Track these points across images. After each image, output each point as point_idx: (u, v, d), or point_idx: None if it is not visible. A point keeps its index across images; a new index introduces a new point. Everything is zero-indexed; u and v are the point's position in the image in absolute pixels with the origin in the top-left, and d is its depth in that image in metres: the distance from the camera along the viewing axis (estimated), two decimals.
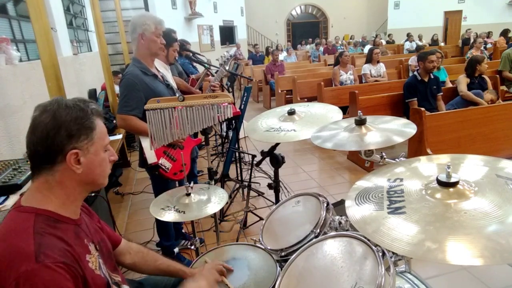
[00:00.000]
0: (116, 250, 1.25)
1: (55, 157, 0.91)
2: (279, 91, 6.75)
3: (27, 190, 0.96)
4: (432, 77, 4.01)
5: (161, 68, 2.58)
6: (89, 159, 0.95)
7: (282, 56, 9.98)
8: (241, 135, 3.47)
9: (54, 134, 0.89)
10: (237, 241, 2.64)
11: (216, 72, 3.07)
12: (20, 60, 3.11)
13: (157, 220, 2.39)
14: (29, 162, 0.96)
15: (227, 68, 2.99)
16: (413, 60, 6.53)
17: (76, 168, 0.93)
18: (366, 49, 9.84)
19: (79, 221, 1.01)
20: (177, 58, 2.96)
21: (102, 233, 1.14)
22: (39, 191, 0.93)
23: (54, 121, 0.90)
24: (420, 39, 12.14)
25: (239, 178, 3.44)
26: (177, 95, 2.17)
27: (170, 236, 2.40)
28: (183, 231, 2.69)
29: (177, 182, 2.23)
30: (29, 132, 0.92)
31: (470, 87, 4.22)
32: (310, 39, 14.60)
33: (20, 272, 0.79)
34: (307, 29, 18.10)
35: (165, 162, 2.09)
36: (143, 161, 2.11)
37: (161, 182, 2.17)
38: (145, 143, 2.04)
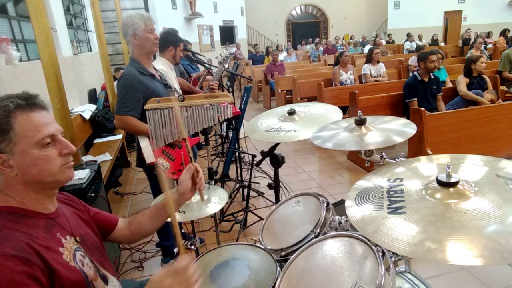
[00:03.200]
0: (115, 231, 1.24)
1: None
2: (279, 91, 6.75)
3: None
4: (432, 77, 4.01)
5: (166, 67, 2.58)
6: (17, 161, 0.90)
7: (282, 56, 9.98)
8: (241, 135, 3.47)
9: None
10: (237, 241, 2.64)
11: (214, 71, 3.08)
12: (20, 60, 3.11)
13: None
14: None
15: (226, 66, 2.98)
16: (413, 60, 6.53)
17: (8, 171, 0.90)
18: (366, 49, 9.85)
19: (54, 214, 0.99)
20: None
21: (86, 227, 1.12)
22: (1, 190, 0.93)
23: None
24: (420, 39, 12.15)
25: (239, 178, 3.44)
26: (176, 95, 2.18)
27: (169, 236, 2.40)
28: (182, 231, 2.69)
29: (175, 182, 2.23)
30: None
31: (469, 87, 4.22)
32: (310, 39, 14.60)
33: None
34: (307, 29, 18.10)
35: (163, 162, 2.09)
36: (140, 161, 2.11)
37: (158, 182, 2.17)
38: (143, 142, 2.03)
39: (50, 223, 0.96)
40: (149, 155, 2.03)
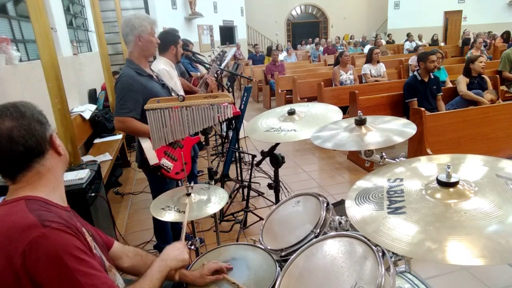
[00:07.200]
0: (110, 253, 1.23)
1: (44, 146, 0.98)
2: (279, 91, 6.75)
3: (10, 190, 0.97)
4: (432, 77, 4.01)
5: (168, 66, 2.60)
6: (58, 141, 1.04)
7: (282, 56, 9.98)
8: (241, 135, 3.47)
9: (33, 128, 0.95)
10: (237, 241, 2.64)
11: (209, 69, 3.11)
12: (20, 60, 3.11)
13: (155, 222, 2.39)
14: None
15: (219, 64, 3.00)
16: (413, 60, 6.53)
17: (61, 149, 1.02)
18: (366, 49, 9.84)
19: (68, 208, 1.04)
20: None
21: (91, 226, 1.16)
22: (28, 184, 0.96)
23: (25, 118, 0.94)
24: (420, 39, 12.15)
25: (239, 178, 3.44)
26: (174, 94, 2.18)
27: (167, 238, 2.38)
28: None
29: (177, 182, 2.23)
30: (3, 143, 0.91)
31: (469, 87, 4.22)
32: (310, 39, 14.60)
33: (28, 240, 0.81)
34: (307, 29, 18.10)
35: (166, 162, 2.07)
36: (142, 162, 2.09)
37: (159, 183, 2.16)
38: (146, 144, 2.02)
39: (69, 214, 1.00)
40: (152, 157, 2.01)
